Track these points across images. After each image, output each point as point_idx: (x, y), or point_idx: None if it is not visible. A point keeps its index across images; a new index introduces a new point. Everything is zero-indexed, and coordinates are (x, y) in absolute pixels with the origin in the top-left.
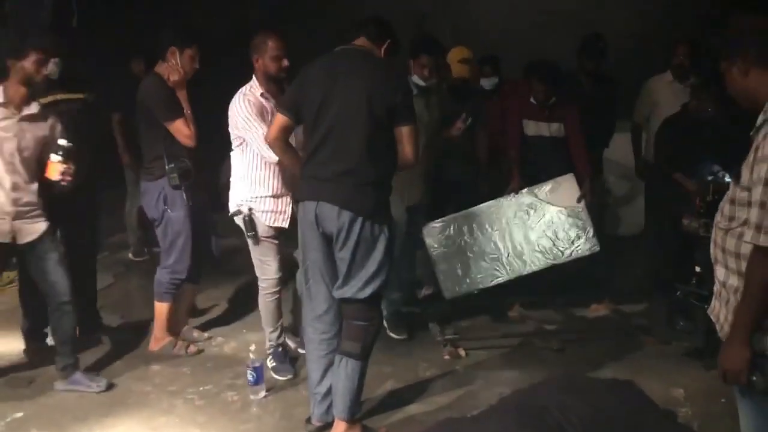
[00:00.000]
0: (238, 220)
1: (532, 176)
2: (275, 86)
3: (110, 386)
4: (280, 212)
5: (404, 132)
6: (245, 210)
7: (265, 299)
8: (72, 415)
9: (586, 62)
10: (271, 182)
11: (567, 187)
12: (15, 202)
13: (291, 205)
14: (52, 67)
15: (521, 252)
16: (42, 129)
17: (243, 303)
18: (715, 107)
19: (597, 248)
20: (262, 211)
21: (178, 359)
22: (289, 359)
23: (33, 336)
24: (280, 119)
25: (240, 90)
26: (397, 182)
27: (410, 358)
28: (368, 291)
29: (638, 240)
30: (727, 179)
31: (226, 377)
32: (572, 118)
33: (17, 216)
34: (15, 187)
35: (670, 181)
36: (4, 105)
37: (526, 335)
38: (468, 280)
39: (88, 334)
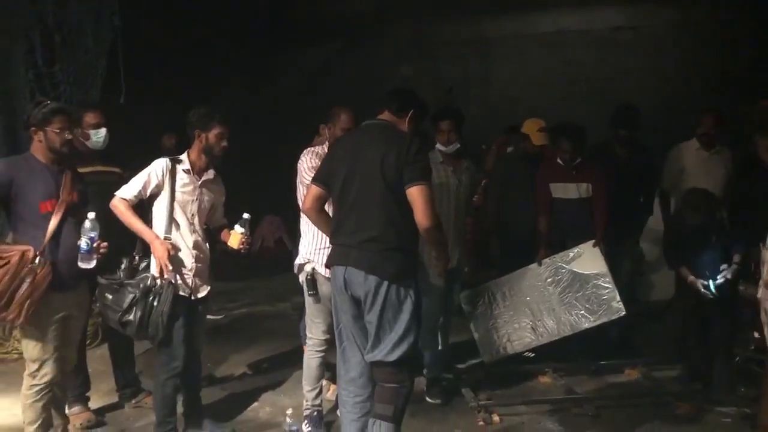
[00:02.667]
0: (301, 278)
1: (560, 241)
2: None
3: None
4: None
5: (413, 193)
6: (308, 269)
7: (309, 356)
8: None
9: (619, 131)
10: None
11: (591, 252)
12: (196, 259)
13: None
14: (95, 139)
15: (551, 318)
16: (214, 192)
17: (280, 368)
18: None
19: (623, 312)
20: (322, 263)
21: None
22: (324, 424)
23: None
24: (314, 189)
25: (309, 148)
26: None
27: (445, 423)
28: (397, 354)
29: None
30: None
31: None
32: (599, 178)
33: (197, 272)
34: (195, 246)
35: (689, 236)
36: (189, 172)
37: (560, 401)
38: (504, 345)
39: (131, 398)
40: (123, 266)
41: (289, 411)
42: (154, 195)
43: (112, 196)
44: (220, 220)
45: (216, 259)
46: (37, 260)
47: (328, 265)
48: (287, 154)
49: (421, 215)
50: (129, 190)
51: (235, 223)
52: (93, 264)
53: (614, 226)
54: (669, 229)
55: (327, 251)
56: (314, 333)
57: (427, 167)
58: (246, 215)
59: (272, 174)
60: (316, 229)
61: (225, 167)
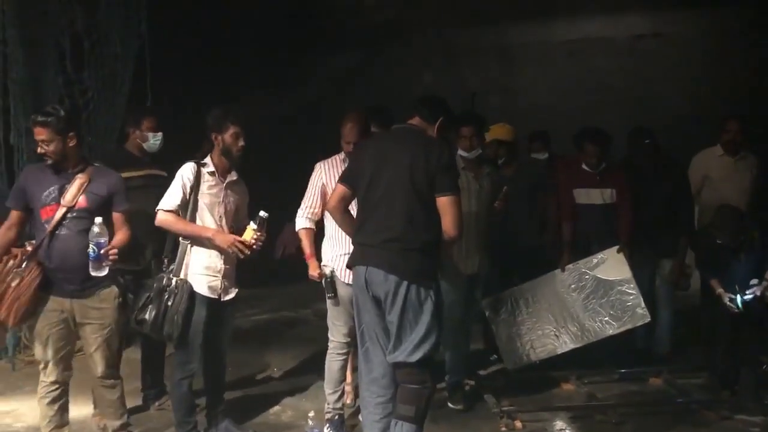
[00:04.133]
0: (324, 282)
1: (585, 247)
2: None
3: None
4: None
5: (443, 203)
6: (328, 272)
7: (330, 359)
8: None
9: (637, 159)
10: (345, 240)
11: (616, 258)
12: (224, 261)
13: None
14: (152, 142)
15: (575, 324)
16: (238, 193)
17: (302, 373)
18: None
19: (648, 319)
20: (340, 268)
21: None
22: (345, 428)
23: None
24: (339, 189)
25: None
26: (455, 252)
27: (467, 429)
28: (419, 354)
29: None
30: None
31: None
32: (623, 183)
33: (225, 274)
34: None
35: (717, 253)
36: (214, 174)
37: (583, 408)
38: (528, 352)
39: (155, 399)
40: (151, 264)
41: (311, 414)
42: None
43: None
44: (243, 221)
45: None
46: (23, 264)
47: (349, 266)
48: (310, 162)
49: (450, 225)
50: (171, 201)
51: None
52: (104, 272)
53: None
54: (697, 244)
55: (346, 257)
56: (335, 336)
57: (457, 177)
58: (262, 213)
59: (295, 181)
60: (338, 233)
61: (249, 174)
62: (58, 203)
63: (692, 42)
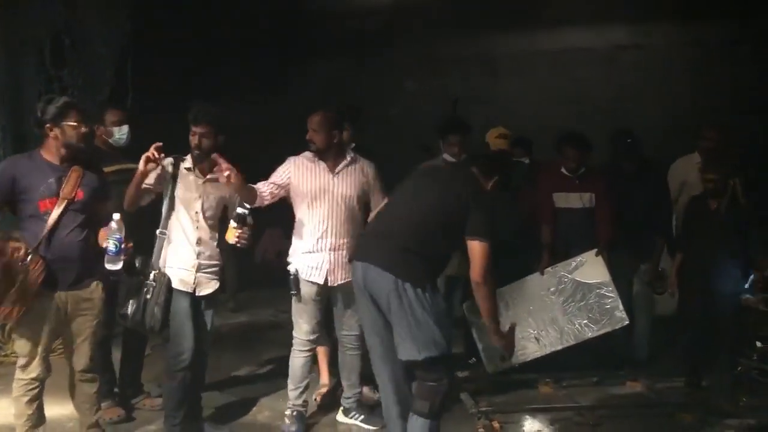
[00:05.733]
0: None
1: (564, 250)
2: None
3: None
4: (316, 267)
5: (474, 247)
6: (293, 269)
7: (293, 355)
8: None
9: (624, 163)
10: (308, 238)
11: (594, 261)
12: (198, 255)
13: (327, 264)
14: (118, 136)
15: (555, 327)
16: (222, 190)
17: (280, 375)
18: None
19: (626, 322)
20: (302, 266)
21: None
22: (303, 426)
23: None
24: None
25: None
26: None
27: (445, 429)
28: (425, 353)
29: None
30: None
31: None
32: (603, 188)
33: (199, 268)
34: (199, 242)
35: (695, 256)
36: (191, 170)
37: (561, 409)
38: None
39: (126, 396)
40: (138, 264)
41: (288, 412)
42: (162, 192)
43: None
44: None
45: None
46: (28, 258)
47: (350, 259)
48: None
49: (476, 271)
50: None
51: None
52: (120, 265)
53: (620, 244)
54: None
55: (309, 255)
56: (298, 333)
57: (491, 225)
58: (240, 209)
59: None
60: (302, 233)
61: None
62: (57, 196)
63: (673, 54)
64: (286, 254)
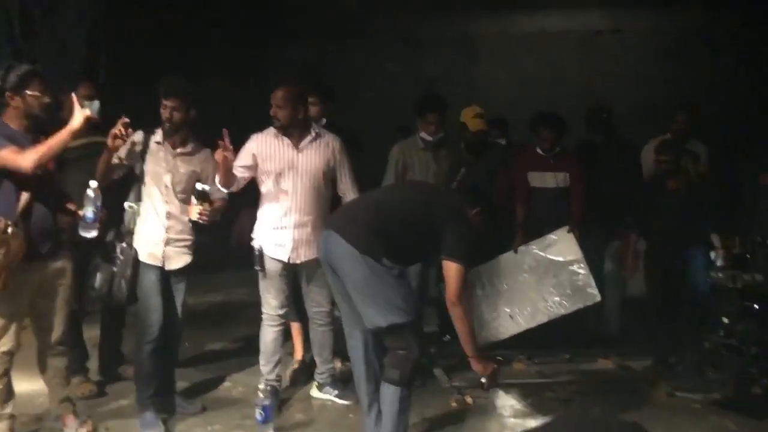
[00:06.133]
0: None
1: (537, 229)
2: (299, 136)
3: (204, 409)
4: (280, 245)
5: (450, 267)
6: (257, 245)
7: (263, 331)
8: None
9: (595, 135)
10: (273, 215)
11: (566, 239)
12: (168, 229)
13: (291, 241)
14: (92, 110)
15: (528, 305)
16: (194, 165)
17: (255, 352)
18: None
19: (598, 298)
20: (267, 243)
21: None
22: (276, 401)
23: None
24: None
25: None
26: None
27: (418, 404)
28: (389, 320)
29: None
30: None
31: (234, 418)
32: (576, 167)
33: (168, 242)
34: (168, 216)
35: (656, 236)
36: (160, 143)
37: (533, 385)
38: (483, 333)
39: (110, 373)
40: (110, 237)
41: (261, 386)
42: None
43: None
44: (216, 193)
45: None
46: (9, 230)
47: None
48: None
49: (451, 291)
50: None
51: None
52: (94, 233)
53: (599, 224)
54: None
55: (274, 232)
56: (266, 308)
57: (469, 248)
58: (199, 185)
59: None
60: (266, 210)
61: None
62: None
63: (650, 39)
64: None
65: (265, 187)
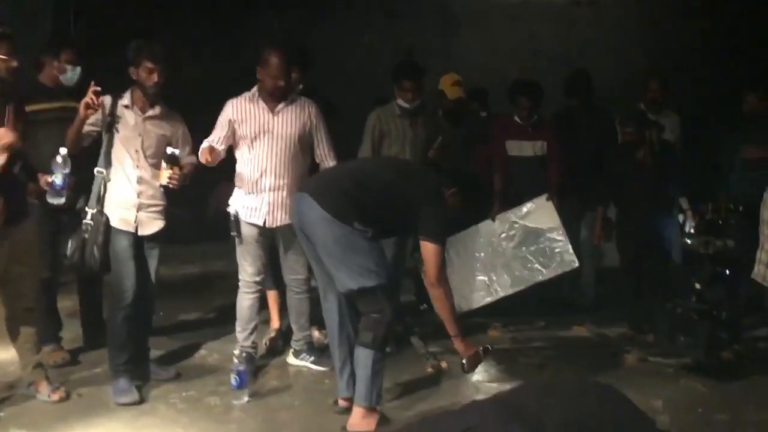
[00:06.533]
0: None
1: (516, 198)
2: (276, 100)
3: (179, 375)
4: (255, 209)
5: (424, 247)
6: (233, 210)
7: (240, 297)
8: (53, 415)
9: (573, 99)
10: (248, 179)
11: (545, 207)
12: (139, 194)
13: (266, 205)
14: (70, 75)
15: (506, 273)
16: (163, 129)
17: (230, 321)
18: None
19: (576, 264)
20: (242, 207)
21: None
22: (251, 367)
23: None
24: None
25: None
26: None
27: (395, 370)
28: (360, 283)
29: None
30: None
31: (209, 384)
32: (554, 135)
33: (140, 207)
34: (140, 181)
35: (626, 205)
36: (128, 107)
37: (508, 351)
38: (459, 302)
39: (93, 340)
40: (79, 205)
41: (236, 351)
42: (102, 129)
43: None
44: (186, 158)
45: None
46: None
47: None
48: None
49: (430, 272)
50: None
51: None
52: (63, 200)
53: (575, 194)
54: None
55: (249, 197)
56: (243, 274)
57: (444, 230)
58: (169, 149)
59: None
60: (242, 174)
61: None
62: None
63: (627, 10)
64: None
65: (241, 152)
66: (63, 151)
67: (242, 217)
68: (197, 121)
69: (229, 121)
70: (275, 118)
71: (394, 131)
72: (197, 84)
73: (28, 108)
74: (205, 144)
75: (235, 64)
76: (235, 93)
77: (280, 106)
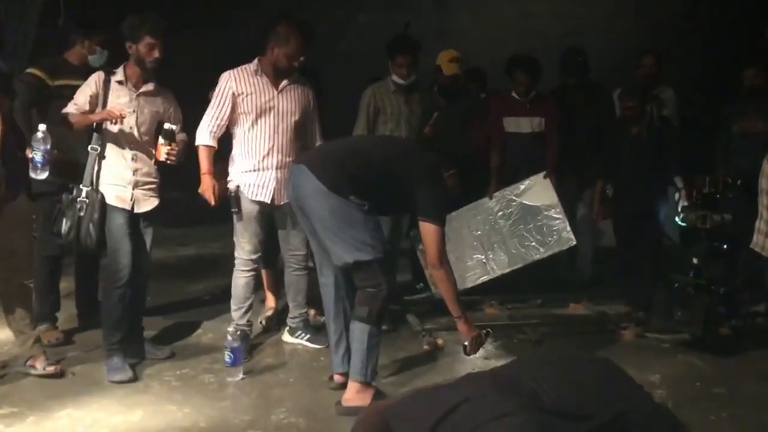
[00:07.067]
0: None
1: (512, 175)
2: (281, 77)
3: (173, 354)
4: (262, 186)
5: (424, 228)
6: (233, 187)
7: (235, 275)
8: (46, 393)
9: (568, 78)
10: (253, 157)
11: (542, 184)
12: (135, 171)
13: (274, 182)
14: (99, 58)
15: (503, 251)
16: (157, 105)
17: (225, 300)
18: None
19: (573, 242)
20: (246, 184)
21: None
22: (246, 345)
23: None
24: None
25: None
26: None
27: (391, 347)
28: (355, 256)
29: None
30: None
31: (203, 362)
32: (552, 112)
33: (136, 185)
34: (135, 158)
35: (621, 181)
36: (122, 83)
37: (505, 328)
38: (456, 280)
39: (88, 318)
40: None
41: (230, 329)
42: (96, 107)
43: None
44: (178, 135)
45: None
46: None
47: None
48: None
49: (431, 253)
50: (71, 105)
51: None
52: (45, 175)
53: (573, 170)
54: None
55: (254, 174)
56: (239, 253)
57: (445, 210)
58: (167, 125)
59: None
60: (246, 148)
61: (184, 115)
62: None
63: None
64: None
65: (242, 128)
66: (42, 127)
67: (246, 193)
68: (192, 100)
69: (232, 94)
70: (279, 95)
71: (389, 108)
72: (190, 62)
73: (56, 82)
74: (203, 134)
75: (227, 43)
76: (221, 72)
77: (284, 83)
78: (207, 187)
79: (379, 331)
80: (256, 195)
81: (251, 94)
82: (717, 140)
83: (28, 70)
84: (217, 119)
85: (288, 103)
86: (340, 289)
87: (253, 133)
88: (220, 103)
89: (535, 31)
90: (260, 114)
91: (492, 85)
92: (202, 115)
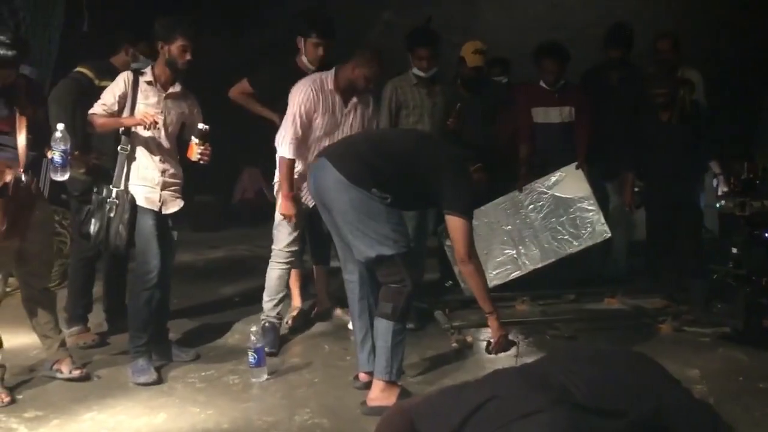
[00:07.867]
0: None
1: (542, 167)
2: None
3: (198, 356)
4: (300, 189)
5: (451, 222)
6: (277, 185)
7: (270, 267)
8: (71, 396)
9: (611, 51)
10: (306, 158)
11: (574, 175)
12: (163, 173)
13: None
14: (142, 66)
15: (534, 245)
16: (182, 107)
17: (253, 302)
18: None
19: (608, 235)
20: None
21: None
22: (276, 337)
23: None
24: None
25: (309, 78)
26: None
27: (418, 346)
28: (377, 250)
29: None
30: None
31: (229, 364)
32: (582, 101)
33: (164, 186)
34: (163, 160)
35: (653, 170)
36: (151, 83)
37: (537, 324)
38: (488, 277)
39: (115, 322)
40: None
41: (254, 329)
42: (123, 107)
43: None
44: None
45: (196, 209)
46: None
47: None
48: (267, 105)
49: (459, 248)
50: (99, 104)
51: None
52: (66, 176)
53: (603, 158)
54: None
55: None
56: (277, 244)
57: (471, 204)
58: (201, 125)
59: (252, 126)
60: (298, 156)
61: (207, 118)
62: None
63: None
64: (265, 193)
65: (298, 130)
66: (60, 126)
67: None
68: (218, 101)
69: (308, 112)
70: (347, 113)
71: (411, 101)
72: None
73: (102, 83)
74: (285, 147)
75: (253, 43)
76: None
77: (353, 101)
78: (291, 214)
79: (404, 329)
80: (306, 199)
81: (325, 114)
82: (758, 124)
83: (78, 69)
84: (296, 134)
85: (353, 121)
86: (365, 286)
87: (311, 142)
88: (295, 122)
89: (563, 23)
90: (326, 133)
91: (518, 78)
92: (218, 116)
